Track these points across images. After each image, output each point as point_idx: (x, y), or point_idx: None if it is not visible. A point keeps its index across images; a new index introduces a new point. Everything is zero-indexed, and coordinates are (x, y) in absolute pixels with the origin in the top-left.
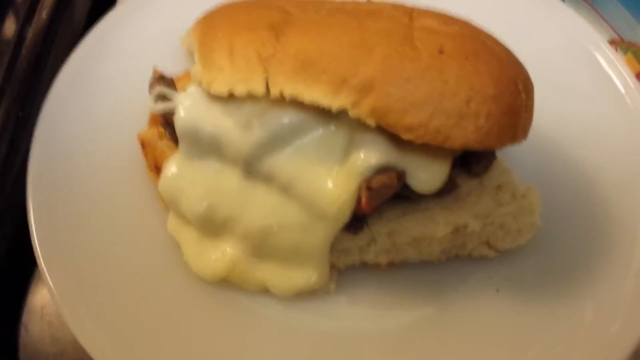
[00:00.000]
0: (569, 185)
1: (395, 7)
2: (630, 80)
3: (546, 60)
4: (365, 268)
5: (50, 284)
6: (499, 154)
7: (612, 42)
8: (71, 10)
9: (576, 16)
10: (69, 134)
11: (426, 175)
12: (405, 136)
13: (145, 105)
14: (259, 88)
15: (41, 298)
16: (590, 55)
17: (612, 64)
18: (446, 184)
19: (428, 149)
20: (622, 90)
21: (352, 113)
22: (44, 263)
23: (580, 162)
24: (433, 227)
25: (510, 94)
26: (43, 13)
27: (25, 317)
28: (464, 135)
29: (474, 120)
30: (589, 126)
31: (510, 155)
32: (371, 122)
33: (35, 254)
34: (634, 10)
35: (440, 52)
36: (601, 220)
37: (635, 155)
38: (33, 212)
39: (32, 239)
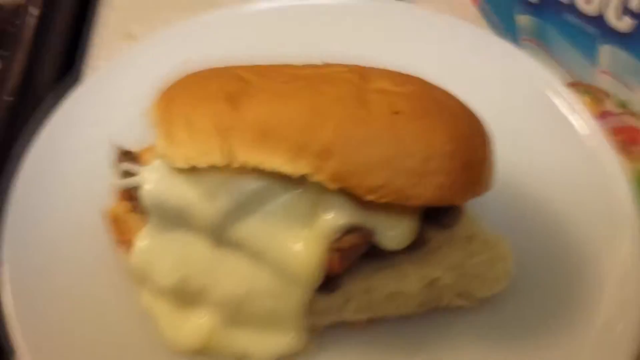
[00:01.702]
0: (538, 230)
1: (350, 69)
2: (588, 121)
3: (505, 108)
4: (345, 326)
5: None
6: (468, 203)
7: (573, 85)
8: (36, 90)
9: (533, 60)
10: (39, 216)
11: (394, 232)
12: (368, 198)
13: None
14: (219, 160)
15: None
16: (548, 99)
17: (571, 108)
18: (416, 238)
19: (394, 206)
20: (583, 133)
21: (314, 179)
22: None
23: (545, 207)
24: (407, 282)
25: (468, 148)
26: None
27: None
28: (426, 194)
29: (434, 178)
30: (552, 170)
31: (477, 205)
32: (333, 186)
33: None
34: (588, 54)
35: (395, 113)
36: (574, 261)
37: (601, 200)
38: (12, 299)
39: (9, 324)
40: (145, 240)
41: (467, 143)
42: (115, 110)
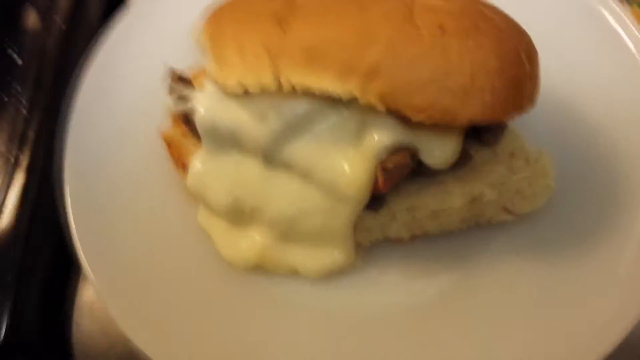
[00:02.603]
0: (580, 147)
1: None
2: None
3: (549, 21)
4: (389, 243)
5: (95, 283)
6: (510, 121)
7: None
8: (86, 14)
9: None
10: (98, 139)
11: (439, 151)
12: (415, 118)
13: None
14: (270, 83)
15: (89, 296)
16: (595, 10)
17: (619, 18)
18: (460, 156)
19: (439, 125)
20: (632, 46)
21: (362, 99)
22: (87, 263)
23: (590, 123)
24: (450, 199)
25: (513, 65)
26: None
27: (76, 315)
28: (471, 112)
29: (479, 95)
30: (598, 86)
31: (520, 121)
32: (380, 107)
33: (79, 257)
34: None
35: (441, 30)
36: (614, 178)
37: None
38: (73, 219)
39: (74, 242)
40: (199, 163)
41: (513, 59)
42: (166, 34)
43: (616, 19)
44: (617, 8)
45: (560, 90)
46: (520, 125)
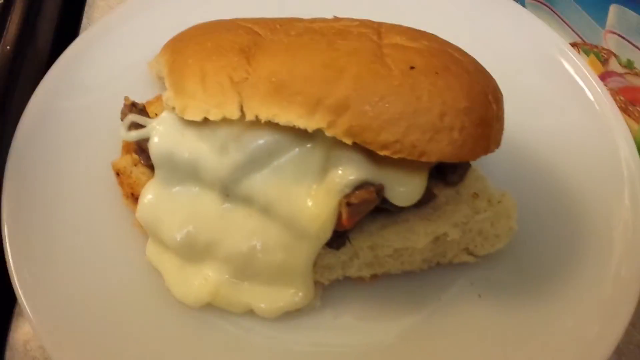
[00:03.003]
0: (542, 190)
1: (363, 23)
2: (596, 82)
3: (511, 67)
4: (348, 282)
5: (32, 318)
6: (474, 162)
7: (574, 45)
8: (35, 42)
9: (538, 20)
10: (42, 167)
11: (404, 188)
12: (382, 152)
13: (117, 134)
14: (233, 112)
15: (24, 334)
16: (555, 59)
17: (576, 67)
18: (424, 195)
19: (404, 163)
20: (589, 93)
21: (329, 133)
22: (24, 297)
23: (551, 166)
24: (414, 238)
25: (482, 105)
26: (6, 46)
27: (9, 355)
28: (440, 149)
29: (448, 134)
30: (558, 130)
31: (483, 163)
32: (348, 140)
33: (15, 290)
34: (594, 14)
35: (411, 68)
36: (576, 222)
37: (604, 157)
38: (10, 248)
39: (10, 274)
40: (151, 194)
41: (481, 100)
42: (116, 66)
43: (574, 67)
44: (575, 58)
45: (522, 135)
46: (484, 166)
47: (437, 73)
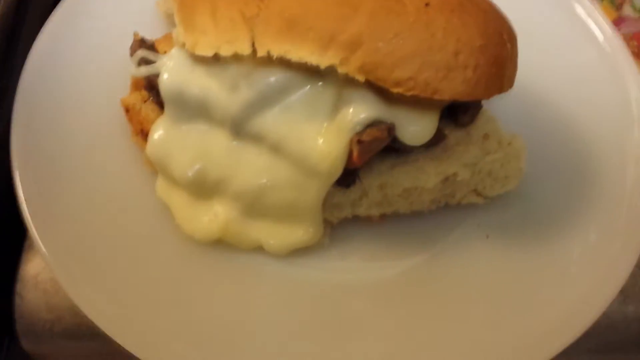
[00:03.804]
0: (552, 133)
1: None
2: (609, 27)
3: (524, 10)
4: (357, 221)
5: (43, 249)
6: (484, 103)
7: None
8: None
9: None
10: (50, 103)
11: (415, 127)
12: (395, 89)
13: (126, 70)
14: (245, 48)
15: (34, 267)
16: (568, 4)
17: (589, 12)
18: (435, 135)
19: (416, 102)
20: (601, 37)
21: (341, 69)
22: (35, 229)
23: (562, 110)
24: (423, 178)
25: (497, 44)
26: None
27: (20, 287)
28: (453, 87)
29: (462, 72)
30: (570, 74)
31: (494, 105)
32: (360, 77)
33: (26, 222)
34: None
35: (426, 5)
36: (586, 164)
37: (615, 99)
38: (20, 182)
39: (21, 207)
40: (162, 130)
41: (496, 39)
42: (125, 3)
43: (587, 11)
44: (588, 2)
45: (534, 77)
46: (494, 108)
47: (452, 10)
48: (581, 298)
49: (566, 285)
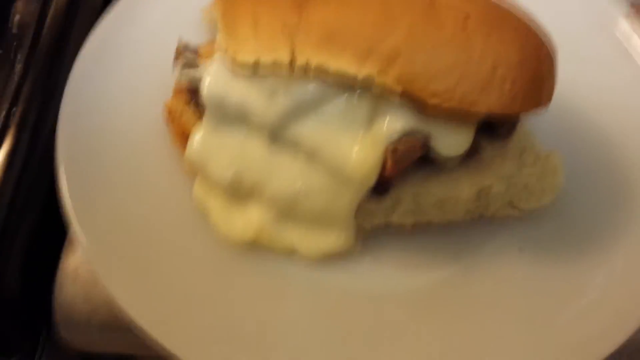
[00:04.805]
0: (589, 150)
1: None
2: None
3: (565, 28)
4: (390, 230)
5: (83, 240)
6: (522, 118)
7: (632, 6)
8: None
9: None
10: (96, 103)
11: (451, 139)
12: (432, 101)
13: (170, 75)
14: (285, 57)
15: (75, 261)
16: (609, 23)
17: (630, 32)
18: (470, 147)
19: (453, 115)
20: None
21: (379, 81)
22: (77, 222)
23: (600, 128)
24: (458, 189)
25: (535, 60)
26: None
27: (59, 279)
28: (490, 101)
29: (499, 86)
30: (608, 93)
31: (532, 120)
32: (397, 89)
33: (69, 216)
34: None
35: (465, 19)
36: (622, 183)
37: None
38: (65, 180)
39: (64, 201)
40: (202, 133)
41: (535, 55)
42: (175, 10)
43: (628, 31)
44: (629, 24)
45: (572, 95)
46: (533, 122)
47: (492, 25)
48: (617, 316)
49: (603, 304)
